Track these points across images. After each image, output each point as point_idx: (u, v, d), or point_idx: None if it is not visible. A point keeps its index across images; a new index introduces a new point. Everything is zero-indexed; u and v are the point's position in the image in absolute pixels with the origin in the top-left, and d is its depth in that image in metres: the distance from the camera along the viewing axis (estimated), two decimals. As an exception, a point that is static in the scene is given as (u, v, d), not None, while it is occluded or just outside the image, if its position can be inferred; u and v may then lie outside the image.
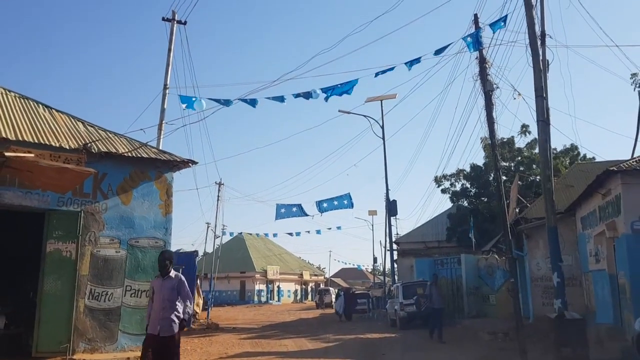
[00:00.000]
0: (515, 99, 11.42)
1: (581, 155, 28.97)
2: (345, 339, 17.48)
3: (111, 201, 10.03)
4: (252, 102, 14.06)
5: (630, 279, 10.16)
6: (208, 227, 44.64)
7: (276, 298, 64.53)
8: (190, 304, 7.07)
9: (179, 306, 6.53)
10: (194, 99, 14.34)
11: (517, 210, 18.71)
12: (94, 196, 9.96)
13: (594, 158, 26.32)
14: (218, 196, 31.84)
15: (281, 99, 13.96)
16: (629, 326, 10.13)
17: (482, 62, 11.58)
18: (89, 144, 9.80)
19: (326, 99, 14.43)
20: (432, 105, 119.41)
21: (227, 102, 14.25)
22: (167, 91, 13.67)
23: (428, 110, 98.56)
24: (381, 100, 27.26)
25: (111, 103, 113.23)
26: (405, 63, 12.37)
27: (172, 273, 6.62)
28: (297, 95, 13.78)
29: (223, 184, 32.63)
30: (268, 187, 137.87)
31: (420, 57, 12.08)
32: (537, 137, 30.11)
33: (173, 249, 23.57)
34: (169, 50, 16.84)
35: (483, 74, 11.50)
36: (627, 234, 10.42)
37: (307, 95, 13.95)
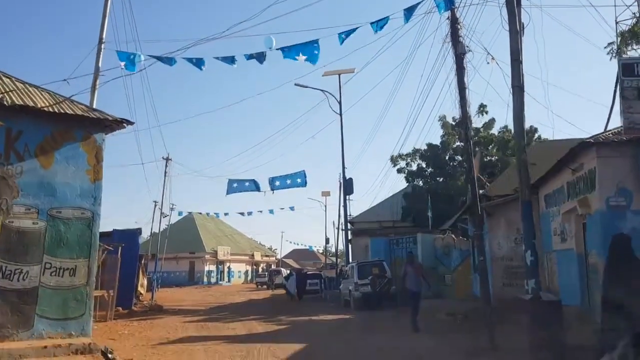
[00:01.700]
0: (488, 63, 10.55)
1: (540, 138, 28.87)
2: (297, 321, 16.51)
3: (28, 164, 8.48)
4: (199, 63, 12.65)
5: (603, 258, 9.54)
6: (155, 205, 42.35)
7: (226, 279, 63.17)
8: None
9: None
10: (132, 56, 12.80)
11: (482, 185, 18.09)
12: (6, 157, 8.36)
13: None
14: (165, 172, 29.98)
15: (231, 60, 12.60)
16: (598, 308, 9.56)
17: (454, 22, 10.61)
18: (1, 95, 8.22)
19: (285, 56, 13.18)
20: (392, 80, 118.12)
21: (170, 61, 12.77)
22: (102, 46, 12.04)
23: (387, 85, 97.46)
24: (339, 75, 26.15)
25: (38, 59, 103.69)
26: (372, 23, 11.28)
27: None
28: (249, 57, 12.46)
29: (171, 159, 30.68)
30: (218, 163, 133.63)
31: (388, 17, 11.03)
32: (493, 117, 30.21)
33: (118, 227, 22.00)
34: None
35: (455, 35, 10.53)
36: (601, 211, 9.77)
37: (261, 57, 12.65)
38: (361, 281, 19.84)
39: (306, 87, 25.95)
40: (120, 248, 17.33)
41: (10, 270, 8.19)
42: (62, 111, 8.58)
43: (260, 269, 68.08)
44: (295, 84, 25.99)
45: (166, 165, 30.08)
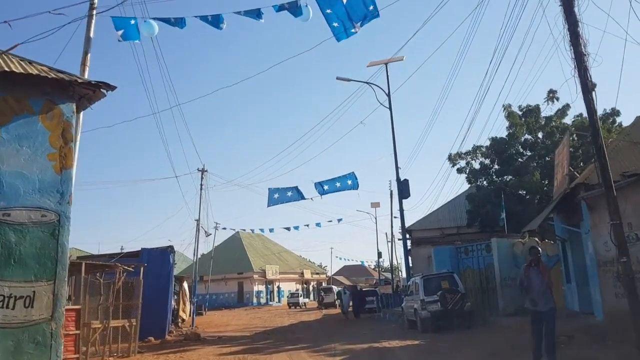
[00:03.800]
0: None
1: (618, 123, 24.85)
2: (356, 349, 13.41)
3: (-46, 147, 5.91)
4: (216, 21, 10.01)
5: None
6: (198, 224, 39.82)
7: (276, 299, 60.60)
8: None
9: None
10: (133, 21, 10.25)
11: (567, 177, 14.58)
12: None
13: None
14: (201, 185, 27.56)
15: (257, 13, 9.90)
16: None
17: None
18: None
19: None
20: (447, 68, 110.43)
21: (180, 23, 10.21)
22: (94, 12, 9.55)
23: (441, 75, 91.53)
24: (386, 64, 23.17)
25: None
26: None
27: None
28: (279, 8, 9.76)
29: (206, 171, 28.27)
30: (254, 168, 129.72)
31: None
32: (568, 103, 26.38)
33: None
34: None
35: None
36: None
37: (294, 7, 9.94)
38: (429, 298, 16.62)
39: (349, 80, 23.15)
40: (142, 269, 14.74)
41: None
42: (6, 69, 5.96)
43: (303, 287, 65.44)
44: (337, 78, 23.31)
45: (202, 178, 27.61)
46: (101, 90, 6.72)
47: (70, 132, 6.47)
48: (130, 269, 14.26)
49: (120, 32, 9.67)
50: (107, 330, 13.73)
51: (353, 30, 10.33)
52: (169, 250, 19.21)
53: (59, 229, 6.17)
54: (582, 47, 7.30)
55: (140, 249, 18.83)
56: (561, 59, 7.28)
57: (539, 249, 8.99)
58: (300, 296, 51.28)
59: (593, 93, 7.28)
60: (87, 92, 6.75)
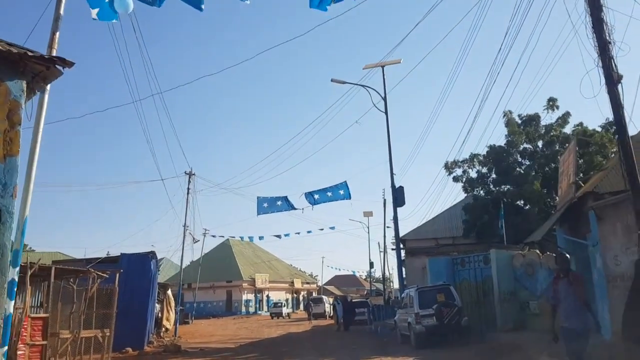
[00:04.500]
0: None
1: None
2: (345, 367, 12.46)
3: None
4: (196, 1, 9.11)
5: None
6: (186, 229, 38.45)
7: (265, 308, 59.31)
8: None
9: None
10: (107, -1, 9.30)
11: (573, 185, 13.74)
12: None
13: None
14: (188, 189, 26.53)
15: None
16: None
17: None
18: None
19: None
20: (446, 73, 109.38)
21: (157, 1, 9.29)
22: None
23: (440, 80, 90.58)
24: (382, 67, 22.39)
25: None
26: None
27: None
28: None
29: (194, 174, 27.25)
30: (243, 170, 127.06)
31: None
32: (568, 111, 25.64)
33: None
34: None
35: None
36: None
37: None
38: (424, 311, 15.74)
39: (344, 82, 22.30)
40: (117, 275, 13.72)
41: None
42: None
43: (293, 297, 64.20)
44: (332, 80, 22.45)
45: (189, 181, 26.59)
46: (56, 66, 5.79)
47: (18, 114, 5.53)
48: (105, 275, 13.25)
49: (95, 11, 8.76)
50: (77, 340, 12.69)
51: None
52: (150, 256, 18.17)
53: (-2, 226, 5.20)
54: (607, 34, 6.48)
55: (119, 254, 17.81)
56: (580, 48, 6.57)
57: (568, 255, 7.58)
58: (283, 306, 49.86)
59: (619, 86, 6.46)
60: (40, 69, 5.81)
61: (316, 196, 22.56)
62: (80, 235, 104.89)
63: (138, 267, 17.69)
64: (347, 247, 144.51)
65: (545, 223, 16.16)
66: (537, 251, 17.00)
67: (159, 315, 25.72)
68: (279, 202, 23.31)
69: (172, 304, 28.09)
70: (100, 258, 17.53)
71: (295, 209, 23.02)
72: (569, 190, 13.65)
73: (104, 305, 13.60)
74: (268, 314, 53.37)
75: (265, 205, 23.33)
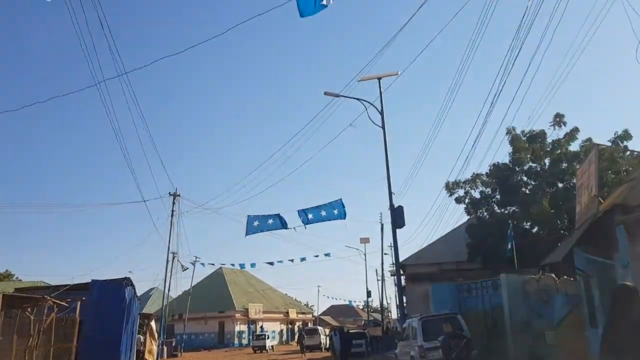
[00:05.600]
0: None
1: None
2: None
3: None
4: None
5: None
6: (174, 257, 36.40)
7: (259, 340, 56.87)
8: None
9: None
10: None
11: (596, 199, 12.18)
12: None
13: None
14: (172, 211, 24.86)
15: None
16: None
17: None
18: None
19: None
20: (445, 88, 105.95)
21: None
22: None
23: (438, 96, 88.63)
24: (379, 79, 21.14)
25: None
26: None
27: None
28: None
29: (179, 195, 25.60)
30: (229, 195, 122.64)
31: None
32: (576, 127, 24.29)
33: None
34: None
35: None
36: None
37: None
38: (428, 344, 14.15)
39: (338, 95, 20.98)
40: (79, 303, 12.01)
41: None
42: None
43: (287, 328, 61.55)
44: (325, 93, 21.15)
45: (173, 203, 24.91)
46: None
47: None
48: (64, 303, 11.54)
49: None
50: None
51: (323, 3, 8.41)
52: (124, 283, 16.41)
53: None
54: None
55: (90, 280, 16.11)
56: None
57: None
58: (267, 338, 44.21)
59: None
60: None
61: (310, 215, 21.12)
62: (63, 261, 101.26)
63: (111, 295, 15.98)
64: (343, 275, 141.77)
65: (562, 242, 14.58)
66: (553, 275, 15.36)
67: (142, 348, 23.90)
68: (271, 221, 21.88)
69: (156, 335, 26.25)
70: (68, 285, 15.79)
71: (287, 227, 21.57)
72: (591, 204, 12.08)
73: (63, 339, 11.86)
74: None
75: (256, 223, 21.87)
